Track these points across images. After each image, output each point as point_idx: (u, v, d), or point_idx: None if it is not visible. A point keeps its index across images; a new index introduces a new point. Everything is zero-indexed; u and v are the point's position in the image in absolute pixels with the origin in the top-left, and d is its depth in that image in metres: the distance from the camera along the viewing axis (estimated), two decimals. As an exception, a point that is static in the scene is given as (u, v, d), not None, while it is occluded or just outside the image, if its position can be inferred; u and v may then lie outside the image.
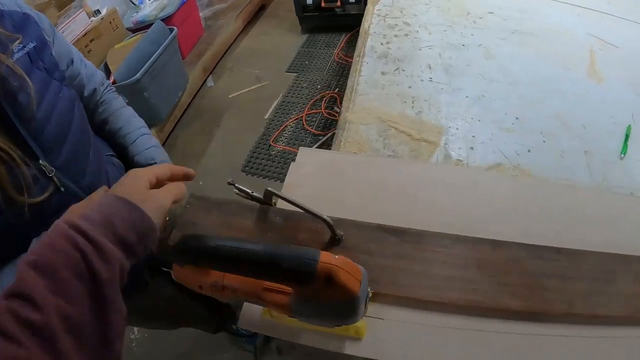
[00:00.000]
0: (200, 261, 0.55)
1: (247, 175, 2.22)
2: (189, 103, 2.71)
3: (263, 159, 2.30)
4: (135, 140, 0.88)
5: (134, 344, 1.67)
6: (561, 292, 0.72)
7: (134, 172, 0.54)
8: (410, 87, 1.11)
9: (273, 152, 2.32)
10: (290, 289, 0.53)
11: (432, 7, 1.48)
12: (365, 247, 0.72)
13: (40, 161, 0.62)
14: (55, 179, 0.65)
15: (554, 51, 1.34)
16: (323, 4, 3.04)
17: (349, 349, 0.64)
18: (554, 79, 1.20)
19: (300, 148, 0.94)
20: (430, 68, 1.17)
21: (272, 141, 2.37)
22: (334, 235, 0.71)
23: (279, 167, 2.23)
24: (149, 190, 0.52)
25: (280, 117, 2.55)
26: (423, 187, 0.85)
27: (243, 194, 0.75)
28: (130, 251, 0.45)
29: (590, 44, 1.47)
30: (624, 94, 1.23)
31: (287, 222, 0.76)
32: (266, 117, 2.56)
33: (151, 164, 0.87)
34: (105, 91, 0.88)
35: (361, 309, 0.51)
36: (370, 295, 0.53)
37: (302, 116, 2.51)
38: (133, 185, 0.52)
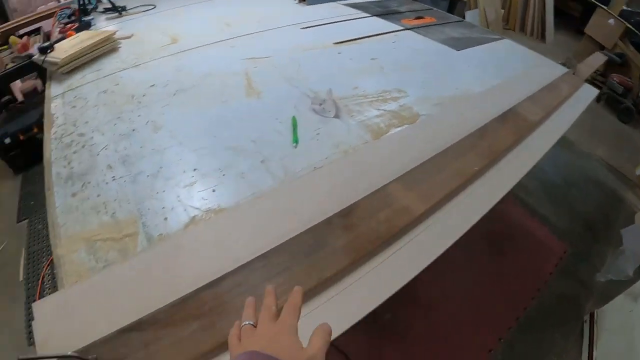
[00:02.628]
0: None
1: (30, 345, 1.98)
2: None
3: (39, 323, 2.08)
4: None
5: None
6: (368, 231, 0.97)
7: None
8: (99, 195, 1.16)
9: (44, 311, 2.11)
10: None
11: (99, 106, 1.54)
12: (120, 353, 0.77)
13: None
14: None
15: (213, 92, 1.55)
16: (22, 137, 2.87)
17: None
18: (218, 117, 1.39)
19: (34, 305, 0.92)
20: (111, 167, 1.24)
21: (38, 298, 2.16)
22: (86, 362, 0.75)
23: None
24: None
25: (35, 270, 2.35)
26: (152, 275, 0.92)
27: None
28: None
29: (245, 67, 1.73)
30: (282, 91, 1.49)
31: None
32: (21, 279, 2.32)
33: None
34: None
35: None
36: None
37: (52, 259, 2.35)
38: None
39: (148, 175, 1.19)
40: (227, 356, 0.79)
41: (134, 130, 1.38)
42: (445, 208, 1.15)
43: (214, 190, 1.12)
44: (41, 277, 2.28)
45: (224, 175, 1.16)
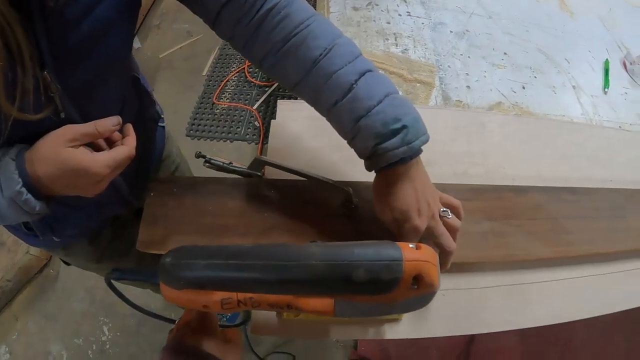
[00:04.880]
0: (211, 286, 0.38)
1: (192, 139, 2.00)
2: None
3: (207, 119, 2.08)
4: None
5: (107, 346, 1.51)
6: (582, 233, 0.69)
7: None
8: (389, 23, 0.99)
9: (217, 111, 2.11)
10: None
11: None
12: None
13: (46, 72, 0.42)
14: (57, 101, 0.45)
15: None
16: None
17: (390, 333, 0.56)
18: (529, 12, 1.15)
19: (279, 101, 0.80)
20: (405, 1, 1.05)
21: (215, 99, 2.15)
22: (349, 205, 0.60)
23: (226, 126, 2.03)
24: None
25: (220, 71, 2.32)
26: (430, 132, 0.76)
27: (217, 168, 0.59)
28: None
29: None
30: (595, 28, 1.21)
31: (285, 195, 0.64)
32: (204, 73, 2.32)
33: None
34: None
35: None
36: None
37: (243, 68, 2.28)
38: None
39: (451, 32, 0.99)
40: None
41: (434, -25, 1.16)
42: None
43: (523, 87, 0.91)
44: (225, 80, 2.25)
45: (535, 77, 0.95)
